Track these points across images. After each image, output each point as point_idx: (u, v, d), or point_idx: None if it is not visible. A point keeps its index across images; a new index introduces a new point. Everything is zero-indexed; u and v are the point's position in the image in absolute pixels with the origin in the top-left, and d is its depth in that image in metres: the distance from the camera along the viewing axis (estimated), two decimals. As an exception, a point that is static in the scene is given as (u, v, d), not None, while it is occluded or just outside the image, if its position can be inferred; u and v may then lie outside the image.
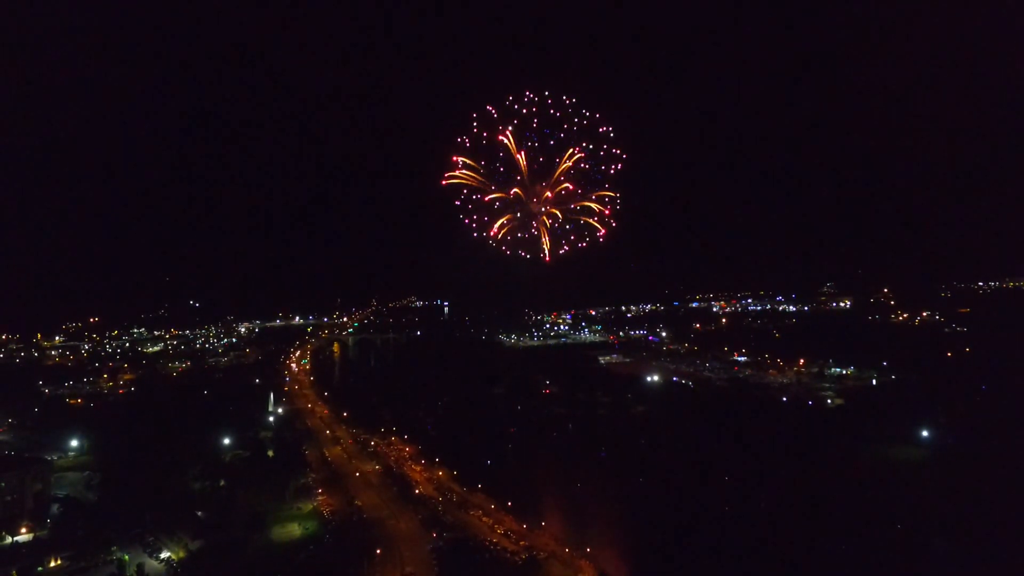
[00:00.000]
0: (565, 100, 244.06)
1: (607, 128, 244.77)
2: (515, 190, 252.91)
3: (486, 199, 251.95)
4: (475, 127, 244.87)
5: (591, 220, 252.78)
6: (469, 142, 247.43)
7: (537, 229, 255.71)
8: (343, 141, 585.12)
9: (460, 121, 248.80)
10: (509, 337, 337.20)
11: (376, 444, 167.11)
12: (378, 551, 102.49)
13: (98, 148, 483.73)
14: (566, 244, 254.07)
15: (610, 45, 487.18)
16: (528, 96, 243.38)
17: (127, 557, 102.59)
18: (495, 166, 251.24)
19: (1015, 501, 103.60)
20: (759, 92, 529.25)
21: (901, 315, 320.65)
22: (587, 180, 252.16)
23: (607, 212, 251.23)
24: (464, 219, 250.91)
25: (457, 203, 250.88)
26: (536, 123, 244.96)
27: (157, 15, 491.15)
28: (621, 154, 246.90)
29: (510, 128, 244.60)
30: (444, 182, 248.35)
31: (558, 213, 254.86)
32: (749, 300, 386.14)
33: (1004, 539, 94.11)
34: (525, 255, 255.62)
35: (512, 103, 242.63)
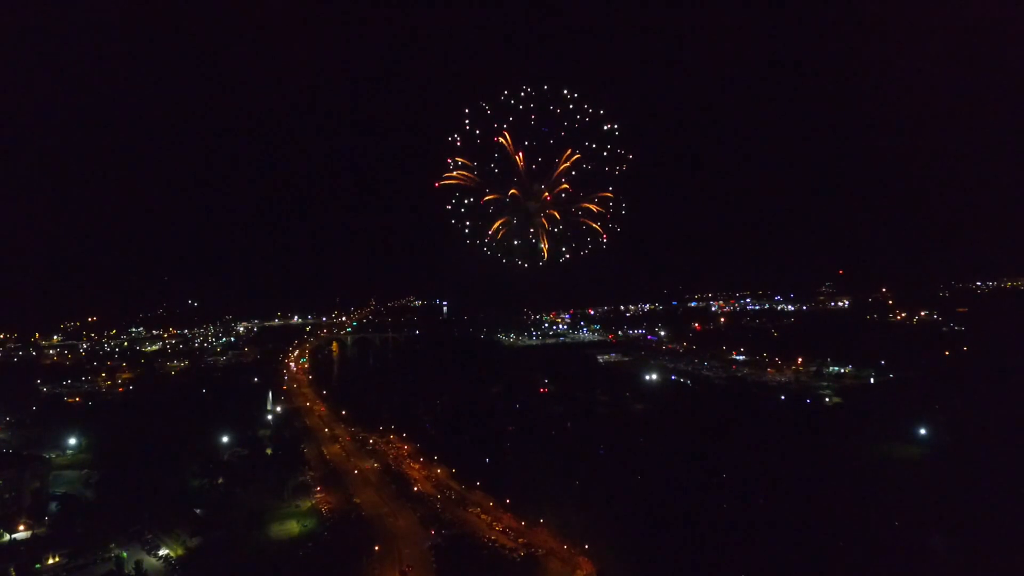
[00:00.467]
0: (566, 94, 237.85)
1: (612, 125, 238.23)
2: (512, 191, 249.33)
3: (482, 200, 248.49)
4: (467, 124, 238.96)
5: (592, 223, 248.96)
6: (464, 141, 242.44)
7: (535, 232, 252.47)
8: (341, 140, 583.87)
9: (453, 118, 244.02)
10: (508, 336, 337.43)
11: (375, 442, 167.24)
12: (376, 548, 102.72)
13: (96, 146, 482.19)
14: (567, 252, 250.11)
15: (609, 39, 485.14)
16: (524, 90, 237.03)
17: (125, 554, 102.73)
18: (491, 166, 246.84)
19: (1012, 498, 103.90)
20: (757, 91, 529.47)
21: (899, 314, 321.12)
22: (587, 182, 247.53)
23: (608, 216, 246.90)
24: (456, 224, 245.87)
25: (449, 207, 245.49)
26: (534, 120, 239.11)
27: (153, 13, 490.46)
28: (626, 155, 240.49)
29: (506, 126, 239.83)
30: (438, 184, 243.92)
31: (556, 215, 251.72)
32: (748, 300, 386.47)
33: (1001, 536, 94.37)
34: (523, 264, 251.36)
35: (507, 98, 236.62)
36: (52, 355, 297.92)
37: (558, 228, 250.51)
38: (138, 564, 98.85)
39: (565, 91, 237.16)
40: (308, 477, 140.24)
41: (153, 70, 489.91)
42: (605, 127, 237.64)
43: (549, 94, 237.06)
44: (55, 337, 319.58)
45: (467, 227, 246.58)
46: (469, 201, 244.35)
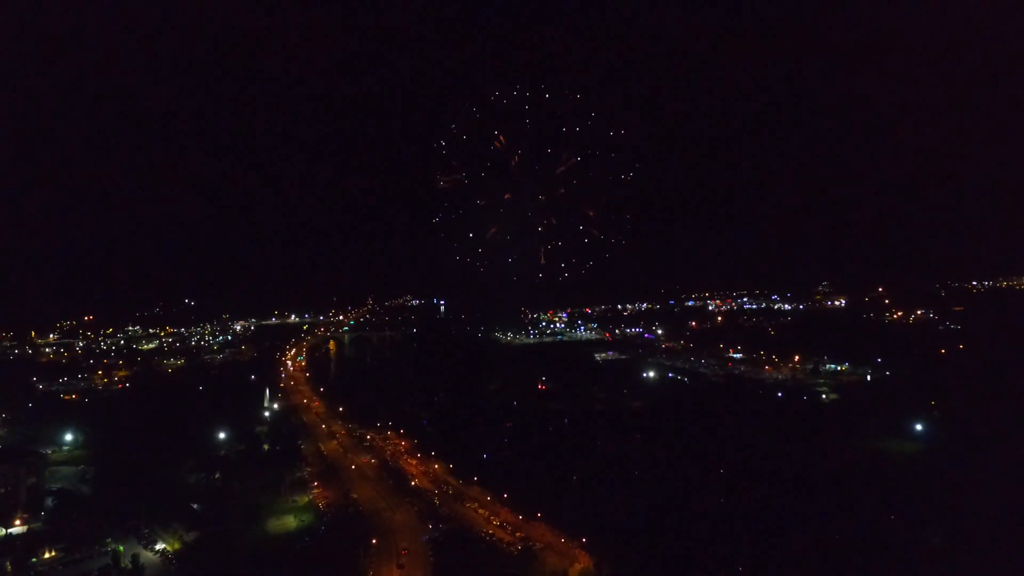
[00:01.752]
0: (566, 93, 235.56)
1: (620, 131, 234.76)
2: (506, 195, 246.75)
3: (478, 203, 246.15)
4: (453, 127, 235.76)
5: (591, 230, 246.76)
6: (457, 142, 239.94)
7: (532, 237, 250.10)
8: (340, 139, 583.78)
9: (448, 119, 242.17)
10: (505, 335, 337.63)
11: (372, 439, 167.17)
12: (374, 542, 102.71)
13: (94, 146, 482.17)
14: (564, 265, 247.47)
15: (607, 37, 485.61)
16: (518, 88, 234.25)
17: (122, 549, 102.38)
18: (485, 168, 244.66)
19: (1006, 494, 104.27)
20: (755, 91, 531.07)
21: (896, 313, 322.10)
22: (586, 186, 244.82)
23: (607, 223, 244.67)
24: (445, 232, 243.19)
25: (440, 214, 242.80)
26: (529, 121, 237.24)
27: (155, 14, 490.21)
28: (632, 162, 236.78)
29: (496, 126, 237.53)
30: (437, 184, 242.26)
31: (553, 220, 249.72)
32: (745, 299, 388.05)
33: (995, 531, 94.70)
34: (518, 272, 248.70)
35: (499, 96, 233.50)
36: (48, 353, 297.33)
37: (556, 243, 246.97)
38: (135, 558, 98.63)
39: (565, 89, 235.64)
40: (305, 473, 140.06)
41: (148, 70, 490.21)
42: (611, 132, 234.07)
43: (547, 94, 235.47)
44: (52, 335, 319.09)
45: (457, 234, 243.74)
46: (461, 211, 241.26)
